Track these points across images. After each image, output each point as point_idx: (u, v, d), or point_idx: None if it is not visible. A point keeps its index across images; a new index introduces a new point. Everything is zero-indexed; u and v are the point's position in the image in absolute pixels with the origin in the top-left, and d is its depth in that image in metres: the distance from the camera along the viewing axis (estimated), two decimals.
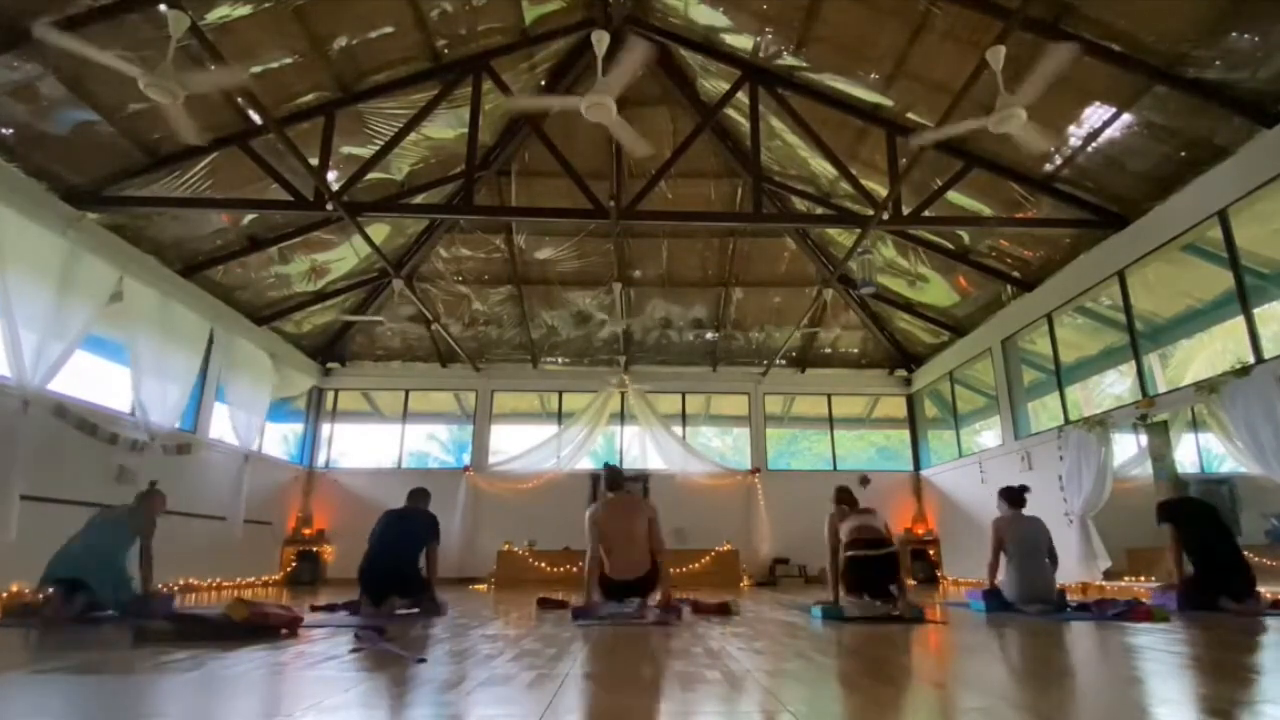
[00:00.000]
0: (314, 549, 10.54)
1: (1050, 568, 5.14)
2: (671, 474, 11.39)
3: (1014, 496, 5.37)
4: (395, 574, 4.91)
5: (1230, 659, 2.82)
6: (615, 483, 4.90)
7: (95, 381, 7.26)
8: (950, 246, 8.69)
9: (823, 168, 8.21)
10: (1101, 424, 7.27)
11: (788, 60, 7.00)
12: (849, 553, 4.49)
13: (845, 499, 4.90)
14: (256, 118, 6.40)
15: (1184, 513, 5.32)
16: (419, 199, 8.56)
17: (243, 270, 8.70)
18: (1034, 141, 4.92)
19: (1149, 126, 5.92)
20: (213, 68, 5.05)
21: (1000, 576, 5.20)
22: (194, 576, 8.20)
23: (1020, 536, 5.15)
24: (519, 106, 7.30)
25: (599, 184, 7.78)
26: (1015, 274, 8.66)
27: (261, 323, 9.67)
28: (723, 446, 14.35)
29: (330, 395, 11.90)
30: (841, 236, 9.40)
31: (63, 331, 6.18)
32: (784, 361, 12.00)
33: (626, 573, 4.60)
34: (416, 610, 4.89)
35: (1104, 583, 7.01)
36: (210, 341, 8.57)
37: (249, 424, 9.05)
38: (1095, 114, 6.01)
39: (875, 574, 4.35)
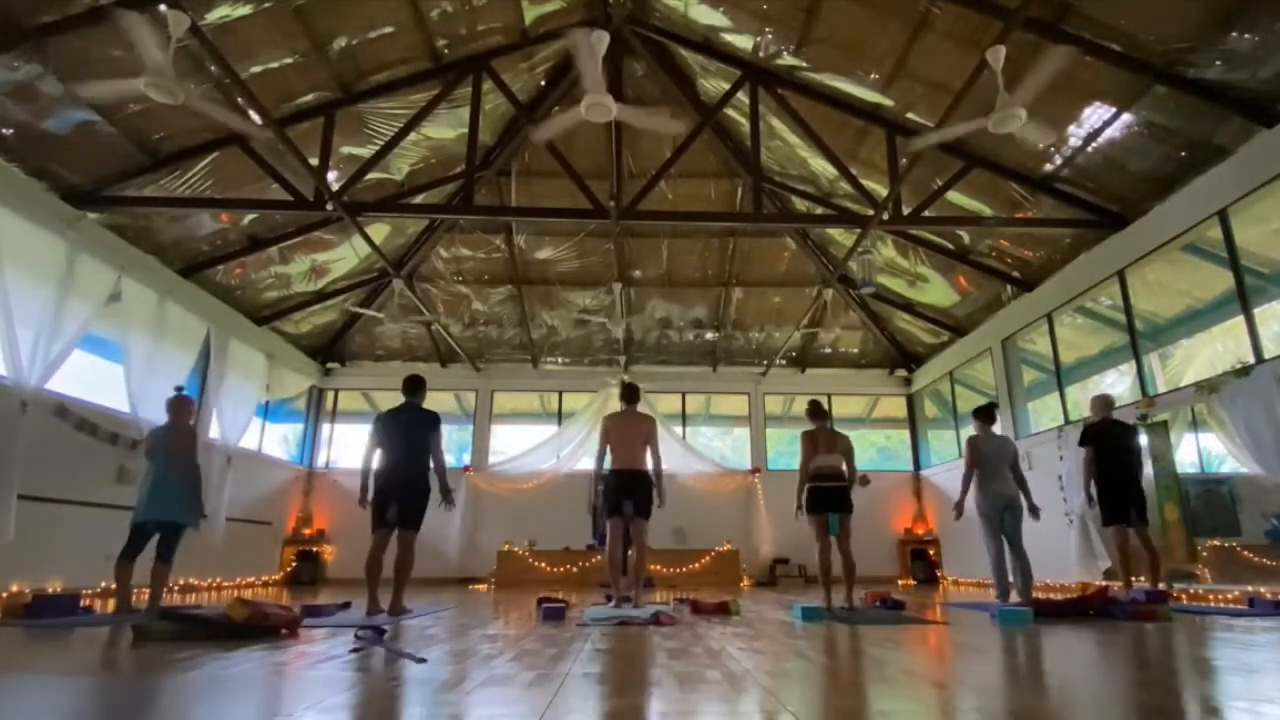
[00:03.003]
0: (314, 549, 10.55)
1: (1012, 480, 5.79)
2: (671, 474, 11.38)
3: (984, 413, 6.07)
4: (410, 482, 5.02)
5: (1230, 658, 2.82)
6: (629, 396, 5.73)
7: (96, 382, 7.25)
8: (950, 246, 8.69)
9: (823, 168, 8.21)
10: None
11: (788, 60, 7.00)
12: (810, 483, 5.54)
13: (816, 414, 5.80)
14: (256, 118, 6.40)
15: (1103, 436, 5.89)
16: (419, 199, 8.57)
17: (242, 270, 8.70)
18: (1035, 137, 4.95)
19: (1149, 126, 5.92)
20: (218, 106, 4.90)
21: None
22: (194, 576, 8.20)
23: (986, 452, 5.87)
24: (542, 138, 7.09)
25: (599, 184, 7.78)
26: (1015, 274, 8.66)
27: (261, 323, 9.68)
28: (723, 446, 14.33)
29: (330, 395, 11.90)
30: (841, 236, 9.40)
31: (61, 331, 6.18)
32: (784, 361, 12.00)
33: (627, 464, 5.41)
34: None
35: (1104, 582, 7.01)
36: (207, 341, 8.56)
37: (234, 424, 9.03)
38: (1095, 114, 6.01)
39: (828, 500, 5.46)
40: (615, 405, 5.90)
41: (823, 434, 5.65)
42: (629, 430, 5.49)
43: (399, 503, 4.94)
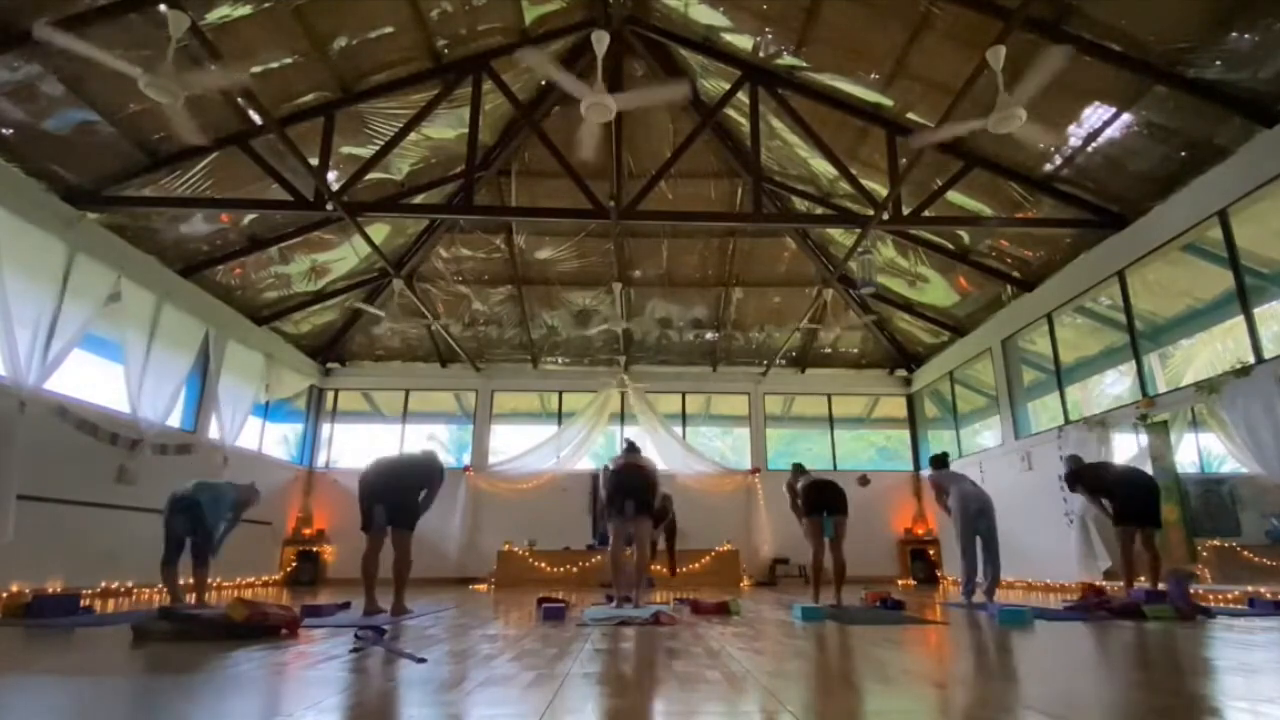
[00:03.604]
0: (314, 549, 10.55)
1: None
2: (672, 474, 11.39)
3: (939, 461, 6.75)
4: (395, 483, 4.97)
5: (1230, 658, 2.82)
6: (632, 450, 5.83)
7: (98, 382, 7.26)
8: (950, 246, 8.69)
9: (823, 168, 8.21)
10: (1102, 424, 7.26)
11: (788, 60, 7.00)
12: (809, 482, 6.05)
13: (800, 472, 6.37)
14: (256, 118, 6.40)
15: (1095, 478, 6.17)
16: (419, 199, 8.56)
17: (242, 270, 8.70)
18: (1038, 137, 4.95)
19: (1149, 126, 5.92)
20: (212, 67, 5.03)
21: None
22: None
23: (954, 487, 6.34)
24: (531, 62, 7.17)
25: (599, 184, 7.77)
26: (1015, 274, 8.66)
27: (261, 323, 9.67)
28: (723, 446, 14.34)
29: (330, 395, 11.90)
30: (841, 236, 9.40)
31: (60, 331, 6.18)
32: (784, 361, 12.00)
33: (629, 468, 5.53)
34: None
35: (1104, 583, 7.01)
36: (206, 341, 8.56)
37: (231, 423, 9.04)
38: (1095, 114, 6.00)
39: (825, 498, 5.91)
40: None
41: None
42: (632, 468, 5.61)
43: (385, 506, 4.85)
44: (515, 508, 11.04)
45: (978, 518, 6.09)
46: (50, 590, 5.93)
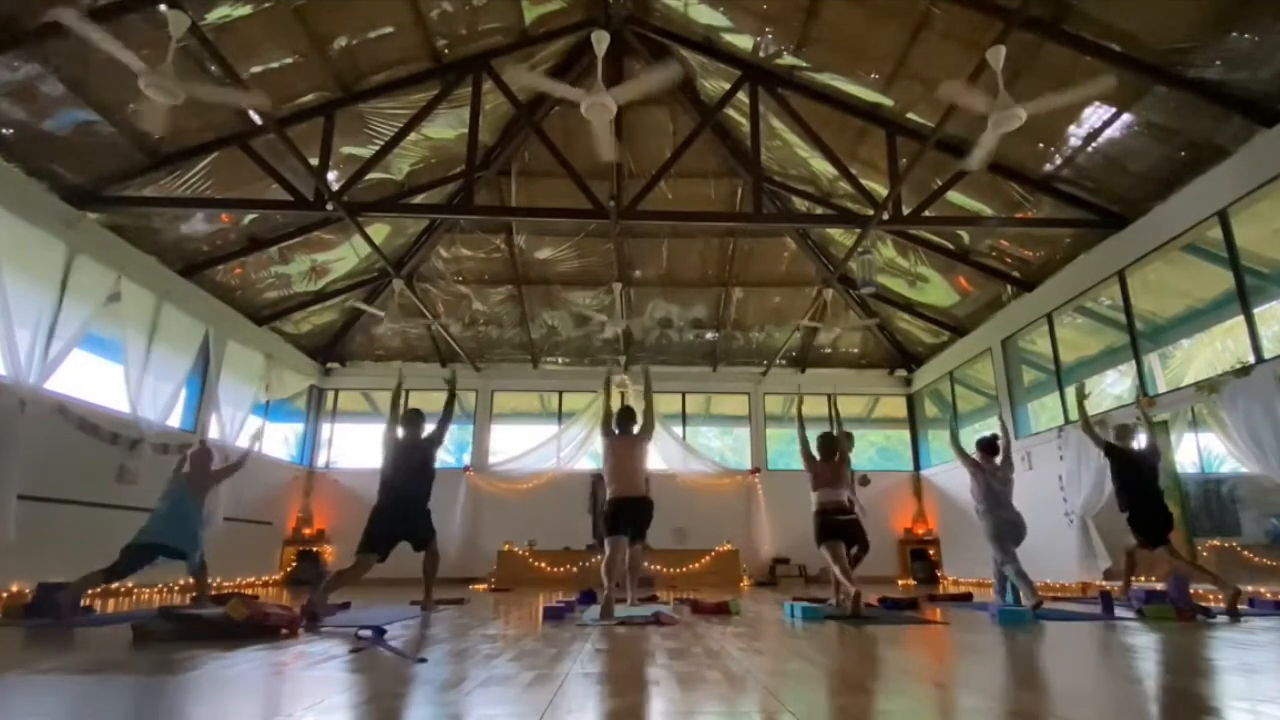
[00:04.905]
0: (314, 549, 10.55)
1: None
2: (671, 474, 11.40)
3: (987, 446, 5.97)
4: (411, 517, 5.05)
5: (1225, 657, 2.82)
6: (626, 418, 5.81)
7: (98, 382, 7.25)
8: (950, 246, 8.69)
9: (823, 168, 8.20)
10: (1101, 424, 7.25)
11: (788, 60, 6.99)
12: (820, 515, 5.65)
13: (825, 450, 5.97)
14: (256, 118, 6.40)
15: (1128, 463, 5.67)
16: (419, 199, 8.56)
17: (242, 270, 8.70)
18: (1053, 105, 4.75)
19: (1149, 126, 5.92)
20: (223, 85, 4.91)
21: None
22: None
23: (991, 484, 5.76)
24: (524, 82, 7.21)
25: (599, 184, 7.77)
26: (1015, 274, 8.66)
27: (261, 323, 9.67)
28: (723, 446, 14.33)
29: (330, 395, 11.90)
30: (841, 236, 9.40)
31: (60, 331, 6.18)
32: (784, 361, 12.00)
33: (628, 491, 5.47)
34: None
35: (1104, 582, 7.01)
36: (206, 341, 8.55)
37: (231, 423, 9.04)
38: (1095, 114, 6.00)
39: (839, 533, 5.56)
40: (616, 404, 5.90)
41: (827, 466, 5.86)
42: (630, 455, 5.58)
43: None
44: (515, 508, 11.04)
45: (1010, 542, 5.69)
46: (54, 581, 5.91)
